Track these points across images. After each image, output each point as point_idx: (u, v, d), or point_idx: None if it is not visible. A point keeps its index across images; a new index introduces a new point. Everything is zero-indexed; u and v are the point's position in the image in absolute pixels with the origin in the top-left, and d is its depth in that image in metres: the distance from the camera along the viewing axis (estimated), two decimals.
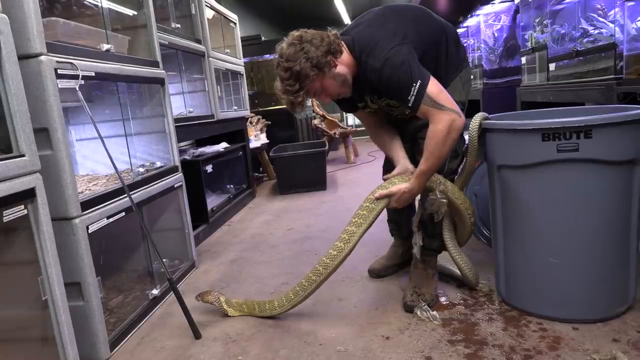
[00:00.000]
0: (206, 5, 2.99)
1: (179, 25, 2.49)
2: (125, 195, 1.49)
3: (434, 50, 1.45)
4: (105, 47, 1.57)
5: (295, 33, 1.35)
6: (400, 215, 1.78)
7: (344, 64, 1.38)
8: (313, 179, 3.75)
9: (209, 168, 2.80)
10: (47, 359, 1.16)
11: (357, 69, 1.40)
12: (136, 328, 1.56)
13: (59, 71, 1.27)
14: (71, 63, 1.32)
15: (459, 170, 1.57)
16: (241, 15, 4.50)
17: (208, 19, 3.01)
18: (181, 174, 2.03)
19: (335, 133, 5.21)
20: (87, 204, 1.36)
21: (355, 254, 1.46)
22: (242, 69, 3.69)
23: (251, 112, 4.14)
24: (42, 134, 1.24)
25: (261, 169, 4.73)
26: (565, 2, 2.46)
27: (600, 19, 2.09)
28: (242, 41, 3.90)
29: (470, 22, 4.18)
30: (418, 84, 1.27)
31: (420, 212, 1.49)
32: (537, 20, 2.85)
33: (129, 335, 1.52)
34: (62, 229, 1.28)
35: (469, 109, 1.57)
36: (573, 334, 1.26)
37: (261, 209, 3.35)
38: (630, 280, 1.32)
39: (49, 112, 1.24)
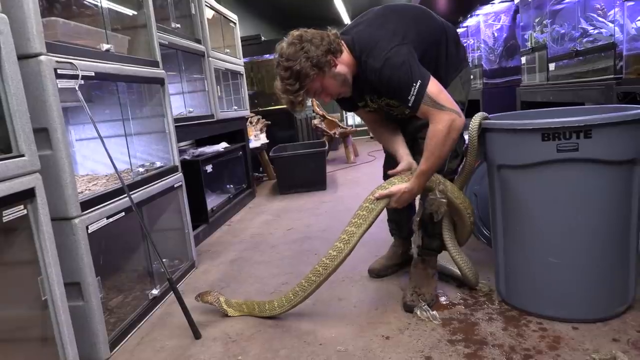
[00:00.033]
0: (206, 5, 2.99)
1: (178, 25, 2.49)
2: (125, 195, 1.49)
3: (434, 50, 1.45)
4: (105, 47, 1.57)
5: (295, 32, 1.35)
6: (400, 215, 1.78)
7: (344, 64, 1.38)
8: (313, 178, 3.75)
9: (209, 168, 2.81)
10: (46, 359, 1.16)
11: (357, 69, 1.40)
12: (136, 328, 1.56)
13: (59, 71, 1.27)
14: (71, 63, 1.32)
15: (459, 170, 1.57)
16: (241, 15, 4.50)
17: (208, 18, 3.01)
18: (181, 174, 2.03)
19: (335, 133, 5.21)
20: (87, 204, 1.36)
21: (355, 254, 1.46)
22: (242, 69, 3.69)
23: (251, 112, 4.14)
24: (42, 134, 1.24)
25: (261, 168, 4.73)
26: (564, 2, 2.46)
27: (600, 18, 2.09)
28: (242, 41, 3.90)
29: (470, 22, 4.18)
30: (418, 84, 1.27)
31: (421, 212, 1.49)
32: (536, 20, 2.85)
33: (128, 335, 1.52)
34: (61, 229, 1.28)
35: (469, 108, 1.57)
36: (573, 333, 1.26)
37: (261, 208, 3.35)
38: (630, 280, 1.32)
39: (48, 112, 1.24)
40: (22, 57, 1.18)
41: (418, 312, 1.43)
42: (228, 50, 3.44)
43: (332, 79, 1.37)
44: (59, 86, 1.27)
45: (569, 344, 1.21)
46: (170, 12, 2.48)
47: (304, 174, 3.72)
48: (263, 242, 2.46)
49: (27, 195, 1.06)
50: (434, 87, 1.28)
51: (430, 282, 1.57)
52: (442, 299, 1.55)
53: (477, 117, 1.40)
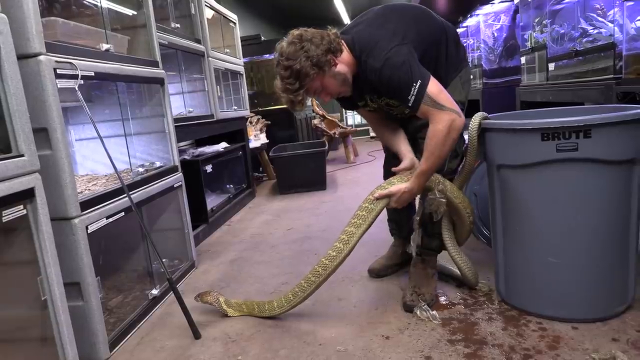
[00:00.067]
0: (206, 5, 2.99)
1: (178, 25, 2.49)
2: (125, 195, 1.49)
3: (434, 49, 1.45)
4: (105, 47, 1.57)
5: (295, 32, 1.35)
6: (400, 215, 1.78)
7: (344, 63, 1.38)
8: (313, 178, 3.75)
9: (209, 168, 2.80)
10: (46, 359, 1.16)
11: (357, 68, 1.40)
12: (136, 328, 1.56)
13: (58, 71, 1.27)
14: (70, 63, 1.32)
15: (459, 169, 1.57)
16: (241, 15, 4.50)
17: (208, 18, 3.01)
18: (181, 173, 2.03)
19: (335, 133, 5.21)
20: (87, 204, 1.36)
21: (354, 254, 1.46)
22: (241, 69, 3.69)
23: (251, 112, 4.14)
24: (42, 134, 1.24)
25: (261, 168, 4.73)
26: (564, 2, 2.46)
27: (600, 18, 2.09)
28: (241, 41, 3.90)
29: (470, 22, 4.19)
30: (418, 83, 1.27)
31: (421, 211, 1.49)
32: (536, 20, 2.85)
33: (128, 335, 1.52)
34: (61, 229, 1.28)
35: (469, 108, 1.57)
36: (572, 333, 1.26)
37: (261, 208, 3.35)
38: (629, 280, 1.32)
39: (48, 112, 1.24)
40: (22, 57, 1.18)
41: (418, 312, 1.43)
42: (228, 50, 3.44)
43: (332, 79, 1.37)
44: (59, 86, 1.27)
45: (569, 344, 1.21)
46: (170, 12, 2.48)
47: (303, 174, 3.72)
48: (263, 242, 2.46)
49: (26, 195, 1.06)
50: (434, 87, 1.28)
51: (430, 282, 1.57)
52: (442, 299, 1.55)
53: (476, 117, 1.40)
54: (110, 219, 1.46)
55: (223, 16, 3.48)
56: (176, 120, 2.17)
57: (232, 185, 3.51)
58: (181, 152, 2.70)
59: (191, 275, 2.06)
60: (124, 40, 1.80)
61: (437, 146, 1.29)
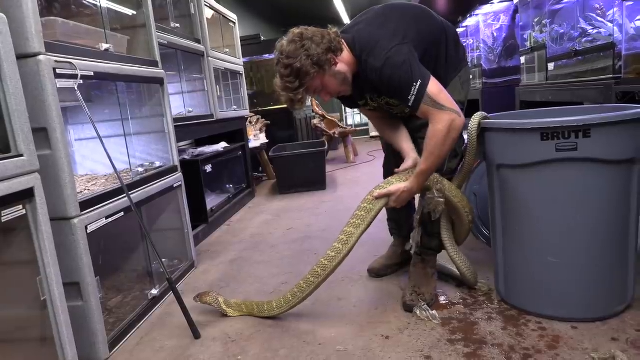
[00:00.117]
0: (205, 5, 2.99)
1: (178, 25, 2.49)
2: (125, 195, 1.49)
3: (434, 49, 1.45)
4: (104, 46, 1.57)
5: (296, 30, 1.35)
6: (399, 214, 1.78)
7: (344, 62, 1.38)
8: (312, 178, 3.75)
9: (209, 168, 2.80)
10: (46, 359, 1.16)
11: (358, 68, 1.40)
12: (135, 328, 1.56)
13: (58, 71, 1.27)
14: (70, 63, 1.32)
15: (458, 169, 1.57)
16: (240, 15, 4.50)
17: (207, 18, 3.01)
18: (180, 173, 2.03)
19: (334, 133, 5.21)
20: (86, 204, 1.36)
21: (354, 253, 1.46)
22: (241, 69, 3.68)
23: (250, 112, 4.14)
24: (41, 134, 1.23)
25: (261, 168, 4.73)
26: (564, 1, 2.46)
27: (599, 18, 2.09)
28: (241, 41, 3.90)
29: (470, 21, 4.19)
30: (418, 83, 1.27)
31: (421, 210, 1.49)
32: (536, 20, 2.85)
33: (128, 335, 1.52)
34: (61, 229, 1.28)
35: (468, 108, 1.57)
36: (572, 333, 1.26)
37: (261, 208, 3.35)
38: (629, 280, 1.32)
39: (47, 111, 1.24)
40: (21, 57, 1.17)
41: (418, 312, 1.43)
42: (227, 50, 3.44)
43: (332, 78, 1.37)
44: (58, 86, 1.27)
45: (568, 344, 1.21)
46: (169, 11, 2.48)
47: (303, 173, 3.72)
48: (263, 242, 2.46)
49: (26, 195, 1.06)
50: (434, 87, 1.28)
51: (430, 281, 1.57)
52: (442, 299, 1.55)
53: (476, 117, 1.40)
54: (110, 219, 1.46)
55: (223, 16, 3.47)
56: (176, 120, 2.17)
57: (231, 185, 3.51)
58: (181, 152, 2.70)
59: (191, 275, 2.06)
60: (123, 40, 1.80)
61: (437, 146, 1.29)
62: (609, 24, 1.99)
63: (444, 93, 1.29)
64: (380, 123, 1.63)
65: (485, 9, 3.74)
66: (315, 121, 5.30)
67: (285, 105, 1.42)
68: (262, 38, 5.45)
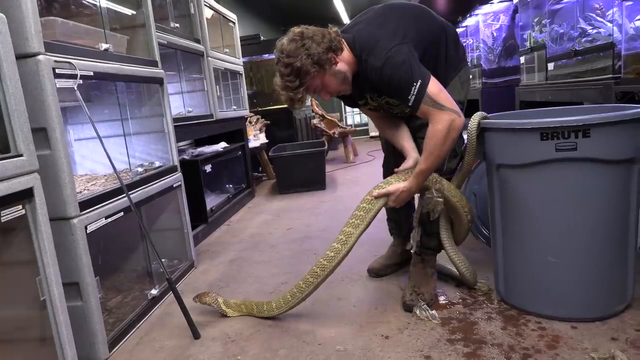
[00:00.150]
0: (205, 5, 2.99)
1: (177, 25, 2.49)
2: (124, 195, 1.49)
3: (434, 49, 1.45)
4: (104, 46, 1.57)
5: (296, 29, 1.34)
6: (399, 214, 1.78)
7: (344, 62, 1.37)
8: (312, 178, 3.75)
9: (208, 168, 2.80)
10: (45, 359, 1.15)
11: (358, 67, 1.40)
12: (135, 328, 1.56)
13: (57, 71, 1.27)
14: (69, 62, 1.32)
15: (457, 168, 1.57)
16: (240, 15, 4.50)
17: (207, 18, 3.01)
18: (180, 173, 2.03)
19: (334, 133, 5.21)
20: (86, 204, 1.36)
21: (353, 253, 1.46)
22: (241, 69, 3.68)
23: (250, 112, 4.14)
24: (40, 134, 1.23)
25: (260, 168, 4.73)
26: (563, 1, 2.46)
27: (599, 18, 2.09)
28: (241, 41, 3.90)
29: (469, 21, 4.19)
30: (418, 83, 1.27)
31: (420, 209, 1.49)
32: (535, 20, 2.85)
33: (127, 335, 1.51)
34: (60, 229, 1.28)
35: (468, 108, 1.57)
36: (572, 332, 1.26)
37: (260, 208, 3.35)
38: (628, 279, 1.32)
39: (47, 111, 1.24)
40: (21, 57, 1.17)
41: (417, 312, 1.43)
42: (227, 50, 3.44)
43: (332, 77, 1.36)
44: (58, 86, 1.27)
45: (568, 343, 1.21)
46: (169, 11, 2.48)
47: (303, 173, 3.72)
48: (262, 242, 2.46)
49: (25, 195, 1.06)
50: (434, 86, 1.28)
51: (430, 281, 1.57)
52: (441, 299, 1.55)
53: (476, 117, 1.40)
54: (110, 219, 1.46)
55: (222, 16, 3.47)
56: (175, 120, 2.17)
57: (231, 185, 3.51)
58: (180, 152, 2.69)
59: (190, 275, 2.06)
60: (123, 40, 1.80)
61: (437, 146, 1.29)
62: (609, 24, 1.99)
63: (444, 93, 1.29)
64: (381, 122, 1.63)
65: (485, 8, 3.74)
66: (315, 121, 5.30)
67: (285, 105, 1.42)
68: (262, 38, 5.45)
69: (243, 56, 3.93)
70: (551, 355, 1.17)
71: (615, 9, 1.93)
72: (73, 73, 1.33)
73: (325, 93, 1.42)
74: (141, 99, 1.94)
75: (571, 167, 1.21)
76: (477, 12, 3.84)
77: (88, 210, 1.36)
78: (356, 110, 8.47)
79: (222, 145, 3.07)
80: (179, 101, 2.83)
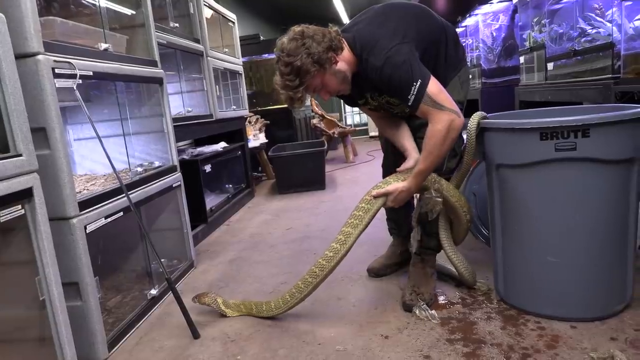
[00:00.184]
0: (205, 5, 2.99)
1: (177, 25, 2.49)
2: (124, 195, 1.49)
3: (434, 49, 1.45)
4: (103, 46, 1.57)
5: (296, 28, 1.34)
6: (398, 214, 1.78)
7: (344, 61, 1.37)
8: (312, 178, 3.75)
9: (208, 168, 2.80)
10: (44, 359, 1.15)
11: (358, 67, 1.40)
12: (134, 328, 1.56)
13: (57, 70, 1.27)
14: (69, 62, 1.32)
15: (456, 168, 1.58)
16: (240, 15, 4.50)
17: (206, 18, 3.01)
18: (179, 173, 2.03)
19: (334, 132, 5.21)
20: (85, 204, 1.36)
21: (353, 253, 1.46)
22: (240, 69, 3.68)
23: (250, 112, 4.14)
24: (40, 134, 1.23)
25: (260, 168, 4.73)
26: (563, 1, 2.47)
27: (598, 18, 2.09)
28: (240, 40, 3.90)
29: (469, 21, 4.19)
30: (418, 83, 1.27)
31: (419, 209, 1.49)
32: (535, 20, 2.85)
33: (127, 335, 1.51)
34: (59, 228, 1.28)
35: (468, 108, 1.57)
36: (571, 332, 1.26)
37: (260, 208, 3.35)
38: (628, 279, 1.32)
39: (46, 111, 1.24)
40: (20, 57, 1.17)
41: (417, 312, 1.43)
42: (227, 50, 3.43)
43: (332, 76, 1.36)
44: (57, 86, 1.27)
45: (567, 343, 1.21)
46: (168, 11, 2.48)
47: (302, 173, 3.72)
48: (262, 242, 2.46)
49: (24, 195, 1.06)
50: (434, 86, 1.28)
51: (429, 281, 1.57)
52: (441, 299, 1.56)
53: (475, 117, 1.40)
54: (109, 219, 1.46)
55: (222, 16, 3.47)
56: (175, 119, 2.17)
57: (231, 185, 3.51)
58: (180, 151, 2.69)
59: (190, 275, 2.06)
60: (122, 39, 1.80)
61: (436, 146, 1.29)
62: (608, 24, 2.00)
63: (444, 93, 1.29)
64: (382, 122, 1.63)
65: (485, 8, 3.74)
66: (315, 121, 5.29)
67: (284, 105, 1.42)
68: (262, 38, 5.45)
69: (243, 56, 3.93)
70: (550, 355, 1.17)
71: (614, 9, 1.93)
72: (72, 73, 1.33)
73: (325, 92, 1.42)
74: (141, 99, 1.94)
75: (570, 167, 1.22)
76: (476, 12, 3.84)
77: (87, 210, 1.36)
78: (356, 110, 8.49)
79: (221, 145, 3.07)
80: (178, 101, 2.83)
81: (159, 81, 1.92)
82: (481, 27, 3.83)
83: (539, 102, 2.73)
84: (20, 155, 1.05)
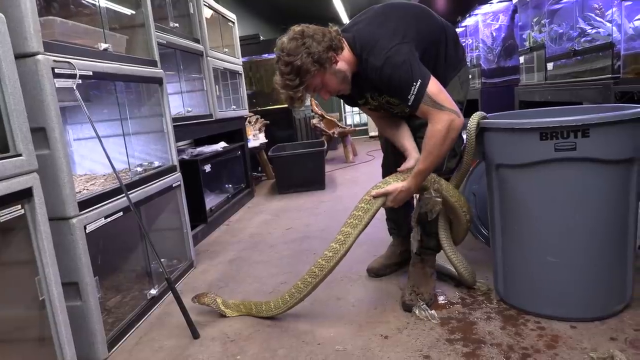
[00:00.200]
0: (204, 5, 2.99)
1: (177, 25, 2.49)
2: (123, 195, 1.49)
3: (434, 49, 1.45)
4: (103, 46, 1.57)
5: (297, 28, 1.34)
6: (397, 214, 1.78)
7: (344, 61, 1.37)
8: (312, 178, 3.75)
9: (208, 168, 2.80)
10: (44, 359, 1.15)
11: (358, 67, 1.40)
12: (134, 328, 1.56)
13: (56, 70, 1.27)
14: (69, 62, 1.32)
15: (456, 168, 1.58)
16: (239, 15, 4.50)
17: (206, 18, 3.01)
18: (179, 173, 2.03)
19: (334, 132, 5.21)
20: (85, 204, 1.36)
21: (353, 253, 1.46)
22: (240, 69, 3.68)
23: (250, 112, 4.14)
24: (40, 134, 1.23)
25: (260, 168, 4.73)
26: (563, 1, 2.47)
27: (598, 18, 2.09)
28: (240, 40, 3.90)
29: (469, 21, 4.19)
30: (418, 83, 1.27)
31: (418, 209, 1.49)
32: (535, 20, 2.85)
33: (127, 335, 1.51)
34: (59, 228, 1.28)
35: (467, 108, 1.57)
36: (571, 332, 1.26)
37: (260, 208, 3.35)
38: (627, 279, 1.32)
39: (46, 111, 1.23)
40: (20, 57, 1.17)
41: (417, 312, 1.43)
42: (226, 50, 3.43)
43: (332, 76, 1.36)
44: (57, 85, 1.27)
45: (567, 343, 1.21)
46: (168, 11, 2.48)
47: (302, 173, 3.72)
48: (262, 242, 2.46)
49: (24, 195, 1.06)
50: (434, 86, 1.28)
51: (429, 281, 1.57)
52: (441, 298, 1.56)
53: (475, 117, 1.40)
54: (109, 219, 1.46)
55: (222, 15, 3.47)
56: (175, 119, 2.16)
57: (230, 185, 3.51)
58: (180, 151, 2.69)
59: (190, 275, 2.06)
60: (122, 39, 1.80)
61: (436, 146, 1.29)
62: (608, 24, 2.00)
63: (444, 93, 1.29)
64: (382, 122, 1.63)
65: (485, 8, 3.74)
66: (315, 121, 5.29)
67: (284, 105, 1.43)
68: (261, 38, 5.45)
69: (242, 56, 3.93)
70: (550, 355, 1.17)
71: (614, 9, 1.93)
72: (72, 73, 1.33)
73: (325, 92, 1.42)
74: (140, 99, 1.94)
75: (570, 167, 1.22)
76: (476, 12, 3.84)
77: (87, 210, 1.36)
78: (356, 110, 8.49)
79: (221, 145, 3.07)
80: (178, 101, 2.83)
81: (158, 81, 1.92)
82: (481, 27, 3.83)
83: (538, 102, 2.73)
84: (20, 155, 1.05)
